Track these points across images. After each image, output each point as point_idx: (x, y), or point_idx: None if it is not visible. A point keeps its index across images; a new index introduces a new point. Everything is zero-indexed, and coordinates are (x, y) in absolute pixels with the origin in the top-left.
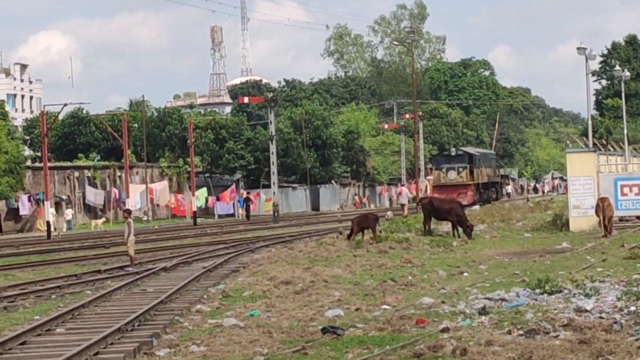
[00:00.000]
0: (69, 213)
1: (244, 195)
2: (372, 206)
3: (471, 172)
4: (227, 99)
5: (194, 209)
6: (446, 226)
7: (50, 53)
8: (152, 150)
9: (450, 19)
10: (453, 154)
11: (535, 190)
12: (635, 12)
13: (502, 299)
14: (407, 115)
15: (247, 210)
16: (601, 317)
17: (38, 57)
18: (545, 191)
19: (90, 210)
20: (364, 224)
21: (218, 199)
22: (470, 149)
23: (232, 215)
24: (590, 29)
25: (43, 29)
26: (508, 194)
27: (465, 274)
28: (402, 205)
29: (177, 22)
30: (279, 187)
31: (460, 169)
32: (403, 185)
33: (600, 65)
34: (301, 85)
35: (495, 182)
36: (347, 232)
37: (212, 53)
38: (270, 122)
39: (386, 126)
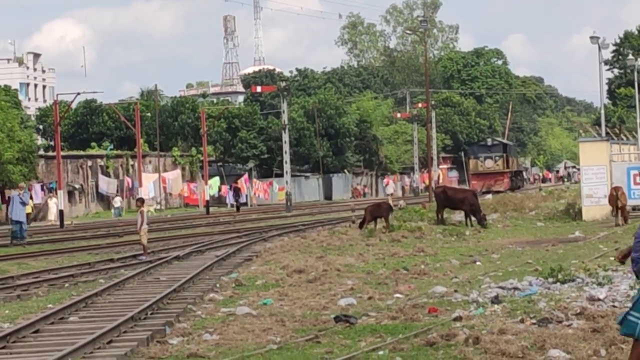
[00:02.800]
0: (117, 201)
1: (233, 185)
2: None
3: (506, 161)
4: (240, 88)
5: (207, 197)
6: (459, 215)
7: (65, 42)
8: (164, 140)
9: (464, 8)
10: (489, 143)
11: (543, 180)
12: None
13: (515, 288)
14: (420, 105)
15: (237, 200)
16: (614, 306)
17: (53, 46)
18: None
19: (103, 199)
20: (377, 212)
21: (231, 188)
22: (503, 140)
23: (245, 204)
24: (606, 18)
25: (58, 17)
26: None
27: (478, 263)
28: (390, 195)
29: (191, 11)
30: (292, 176)
31: (497, 158)
32: (388, 177)
33: (613, 54)
34: (314, 74)
35: (521, 170)
36: (360, 220)
37: (225, 42)
38: (283, 111)
39: (399, 115)
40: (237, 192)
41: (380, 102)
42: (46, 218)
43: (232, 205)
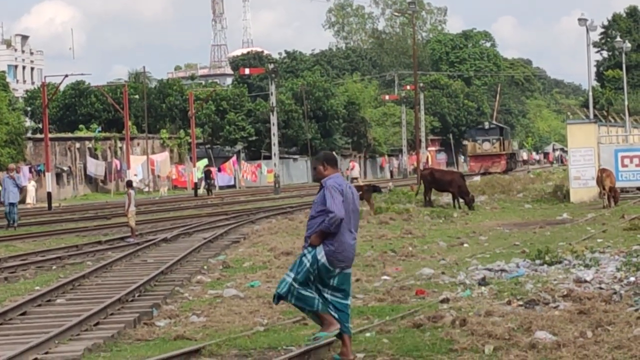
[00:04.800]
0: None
1: (205, 169)
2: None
3: (502, 144)
4: (228, 71)
5: (195, 180)
6: (447, 197)
7: (54, 24)
8: (153, 122)
9: None
10: (487, 127)
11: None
12: None
13: (502, 270)
14: (408, 87)
15: (209, 184)
16: (601, 288)
17: (42, 28)
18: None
19: (91, 182)
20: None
21: (219, 170)
22: (499, 124)
23: (233, 186)
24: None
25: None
26: None
27: (465, 245)
28: (355, 179)
29: None
30: (280, 158)
31: (494, 141)
32: (354, 160)
33: (601, 37)
34: (302, 56)
35: (515, 152)
36: None
37: (213, 24)
38: (271, 94)
39: (387, 97)
40: (208, 175)
41: (367, 83)
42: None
43: (205, 190)
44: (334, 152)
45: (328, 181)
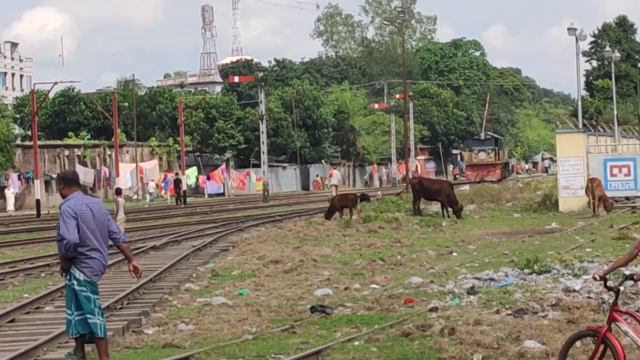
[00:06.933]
0: (151, 186)
1: (174, 176)
2: (351, 186)
3: (497, 154)
4: (218, 79)
5: (184, 188)
6: (435, 206)
7: (45, 31)
8: (142, 129)
9: None
10: (482, 137)
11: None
12: None
13: (491, 279)
14: (398, 95)
15: (178, 193)
16: (589, 297)
17: (34, 34)
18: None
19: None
20: (343, 202)
21: (208, 178)
22: (495, 134)
23: (222, 194)
24: (588, 9)
25: (39, 5)
26: None
27: (454, 254)
28: (334, 187)
29: (171, 1)
30: (269, 166)
31: (489, 151)
32: (335, 168)
33: (590, 46)
34: (292, 64)
35: (508, 162)
36: (326, 211)
37: (203, 32)
38: (261, 102)
39: (376, 106)
40: (177, 184)
41: (356, 92)
42: (5, 209)
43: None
44: (75, 170)
45: (63, 205)
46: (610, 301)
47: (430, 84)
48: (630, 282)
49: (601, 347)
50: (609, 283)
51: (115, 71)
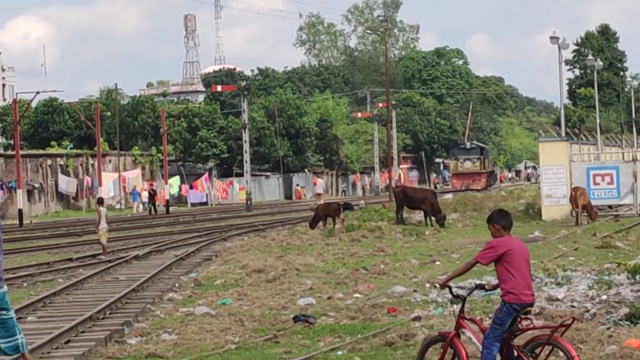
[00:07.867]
0: (145, 195)
1: (148, 187)
2: (334, 195)
3: (482, 162)
4: (201, 88)
5: (167, 197)
6: (419, 215)
7: (29, 40)
8: (125, 139)
9: (426, 7)
10: (468, 146)
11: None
12: (614, 1)
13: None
14: (380, 104)
15: (153, 203)
16: (573, 306)
17: (16, 43)
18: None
19: (63, 199)
20: (327, 212)
21: (191, 187)
22: (480, 143)
23: (205, 203)
24: (571, 18)
25: (22, 14)
26: None
27: (437, 263)
28: (318, 195)
29: (153, 10)
30: (252, 175)
31: (475, 160)
32: (320, 176)
33: (573, 55)
34: (274, 73)
35: (494, 170)
36: (311, 220)
37: (185, 41)
38: (243, 111)
39: (359, 115)
40: (152, 195)
41: (338, 100)
42: None
43: (149, 210)
44: None
45: None
46: (594, 310)
47: (413, 92)
48: (482, 292)
49: (450, 352)
50: (454, 291)
51: (98, 79)
